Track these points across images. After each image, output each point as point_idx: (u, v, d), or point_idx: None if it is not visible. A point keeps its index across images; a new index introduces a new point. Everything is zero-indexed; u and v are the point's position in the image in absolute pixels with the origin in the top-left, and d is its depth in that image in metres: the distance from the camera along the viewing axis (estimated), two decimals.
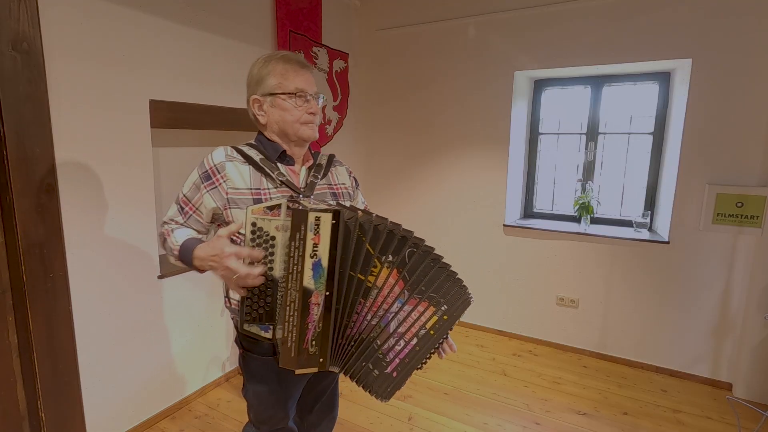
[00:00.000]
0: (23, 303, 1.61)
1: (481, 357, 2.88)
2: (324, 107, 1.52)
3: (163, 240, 1.17)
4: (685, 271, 2.55)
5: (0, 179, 1.52)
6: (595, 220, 3.00)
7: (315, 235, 0.93)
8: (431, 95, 3.21)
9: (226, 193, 1.12)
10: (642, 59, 2.51)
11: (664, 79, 2.71)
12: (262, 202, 1.10)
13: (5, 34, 1.46)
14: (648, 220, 2.81)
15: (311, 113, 1.18)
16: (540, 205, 3.27)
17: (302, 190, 1.17)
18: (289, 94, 1.15)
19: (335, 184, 1.28)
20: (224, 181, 1.12)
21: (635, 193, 2.93)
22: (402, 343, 1.03)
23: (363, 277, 0.99)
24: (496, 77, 2.94)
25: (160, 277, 2.10)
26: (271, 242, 0.98)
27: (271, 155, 1.18)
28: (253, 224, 0.97)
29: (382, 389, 1.04)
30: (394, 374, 1.04)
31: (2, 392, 1.62)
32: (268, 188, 1.14)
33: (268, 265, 0.99)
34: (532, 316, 3.06)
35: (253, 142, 1.22)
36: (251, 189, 1.13)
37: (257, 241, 0.98)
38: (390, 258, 0.98)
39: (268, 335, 1.03)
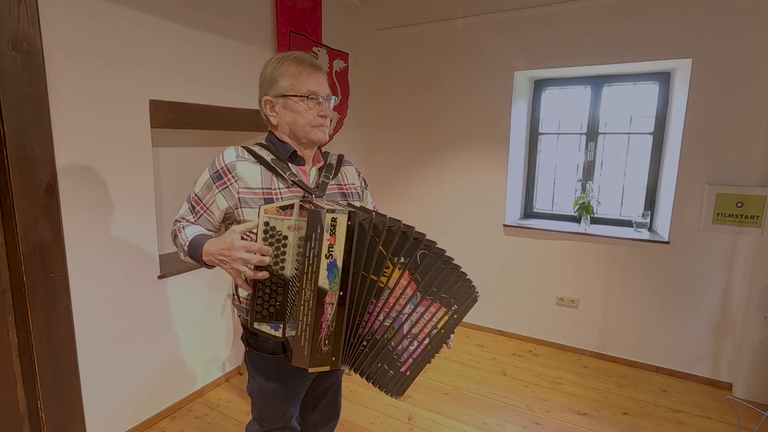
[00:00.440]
0: (23, 303, 1.61)
1: (481, 357, 2.88)
2: None
3: (174, 237, 1.19)
4: (685, 271, 2.55)
5: (0, 179, 1.52)
6: (595, 220, 3.00)
7: (331, 236, 0.94)
8: (431, 95, 3.21)
9: (238, 193, 1.12)
10: (642, 59, 2.51)
11: (664, 79, 2.72)
12: (273, 202, 1.11)
13: (5, 34, 1.46)
14: (648, 220, 2.81)
15: (322, 116, 1.18)
16: (540, 205, 3.27)
17: (314, 190, 1.18)
18: (301, 96, 1.15)
19: (345, 185, 1.29)
20: (235, 181, 1.13)
21: (635, 193, 2.93)
22: (415, 343, 1.05)
23: (375, 278, 1.01)
24: (496, 77, 2.94)
25: (160, 277, 2.11)
26: (283, 241, 1.00)
27: (282, 155, 1.18)
28: (266, 223, 0.98)
29: (396, 387, 1.06)
30: (408, 373, 1.06)
31: (2, 392, 1.61)
32: (280, 188, 1.15)
33: (280, 264, 1.00)
34: (532, 316, 3.06)
35: (264, 142, 1.22)
36: (263, 189, 1.14)
37: (269, 240, 0.99)
38: (402, 260, 1.00)
39: (278, 333, 1.04)
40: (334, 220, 0.93)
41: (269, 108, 1.18)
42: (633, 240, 2.66)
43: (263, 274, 0.99)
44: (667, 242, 2.56)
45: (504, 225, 3.06)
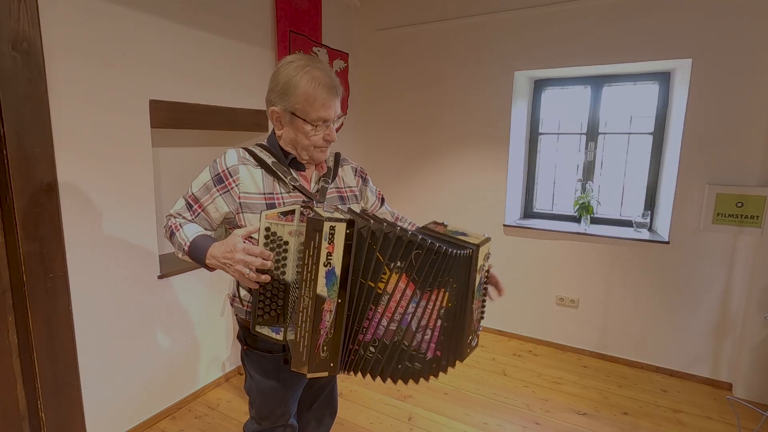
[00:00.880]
0: (23, 303, 1.61)
1: (481, 357, 2.88)
2: None
3: (171, 234, 1.17)
4: (685, 271, 2.55)
5: (0, 179, 1.52)
6: (595, 220, 3.00)
7: (329, 244, 0.94)
8: (431, 95, 3.21)
9: (239, 198, 1.12)
10: (642, 59, 2.51)
11: (664, 79, 2.72)
12: (275, 206, 1.12)
13: (5, 34, 1.46)
14: (648, 220, 2.81)
15: (327, 140, 1.16)
16: (540, 205, 3.27)
17: (314, 195, 1.18)
18: (310, 121, 1.12)
19: (343, 188, 1.29)
20: (236, 185, 1.12)
21: (635, 193, 2.93)
22: (428, 332, 1.05)
23: (373, 284, 1.01)
24: (496, 77, 2.94)
25: (160, 277, 2.11)
26: (284, 246, 1.01)
27: (282, 159, 1.18)
28: (267, 229, 0.99)
29: (435, 369, 1.07)
30: (438, 354, 1.06)
31: (2, 392, 1.61)
32: (281, 193, 1.15)
33: (281, 269, 1.01)
34: (532, 316, 3.06)
35: (265, 144, 1.22)
36: (264, 194, 1.13)
37: (270, 245, 1.00)
38: (399, 264, 1.00)
39: (279, 337, 1.05)
40: (332, 228, 0.93)
41: (275, 118, 1.16)
42: (633, 240, 2.66)
43: (265, 277, 0.99)
44: (667, 242, 2.56)
45: (504, 225, 3.06)
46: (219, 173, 1.14)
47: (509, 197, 3.05)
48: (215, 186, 1.14)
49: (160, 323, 2.15)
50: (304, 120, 1.11)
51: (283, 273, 1.02)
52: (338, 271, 0.96)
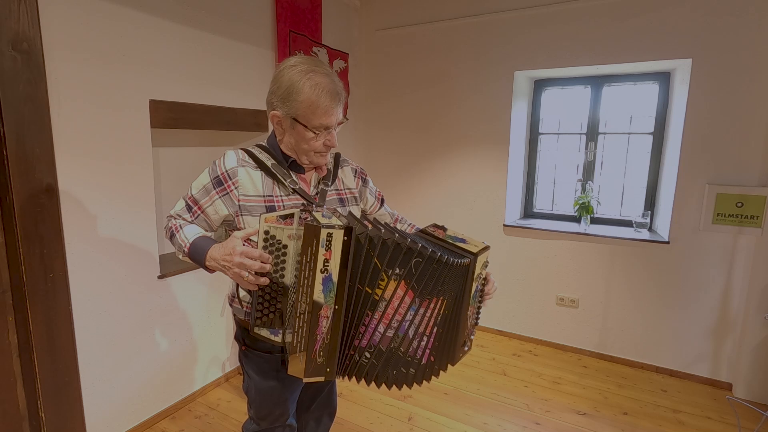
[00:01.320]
0: (23, 303, 1.61)
1: (481, 357, 2.88)
2: None
3: (171, 235, 1.16)
4: (685, 271, 2.55)
5: (0, 179, 1.52)
6: (595, 220, 3.00)
7: (327, 251, 0.94)
8: (431, 95, 3.21)
9: (238, 200, 1.12)
10: (642, 59, 2.51)
11: (664, 79, 2.72)
12: (274, 209, 1.11)
13: (5, 34, 1.46)
14: (648, 220, 2.81)
15: (328, 146, 1.15)
16: (540, 205, 3.27)
17: (314, 198, 1.17)
18: (312, 128, 1.10)
19: (342, 190, 1.28)
20: (236, 188, 1.12)
21: (635, 193, 2.93)
22: (425, 338, 1.06)
23: (370, 291, 1.01)
24: (496, 77, 2.94)
25: (160, 277, 2.11)
26: (283, 250, 1.01)
27: (282, 161, 1.18)
28: (266, 232, 0.99)
29: (428, 374, 1.09)
30: (432, 359, 1.07)
31: (2, 392, 1.61)
32: (281, 195, 1.14)
33: (280, 272, 1.01)
34: (532, 316, 3.06)
35: (265, 144, 1.21)
36: (264, 196, 1.13)
37: (269, 249, 1.00)
38: (398, 271, 1.00)
39: (278, 339, 1.05)
40: (329, 235, 0.93)
41: (276, 122, 1.15)
42: (633, 240, 2.66)
43: (264, 280, 0.99)
44: (667, 242, 2.56)
45: (504, 225, 3.06)
46: (218, 176, 1.13)
47: (509, 197, 3.05)
48: (214, 188, 1.13)
49: (159, 323, 2.15)
50: (306, 126, 1.10)
51: (282, 276, 1.02)
52: (335, 277, 0.96)
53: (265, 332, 1.04)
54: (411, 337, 1.04)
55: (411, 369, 1.07)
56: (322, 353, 0.99)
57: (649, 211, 2.84)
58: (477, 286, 1.11)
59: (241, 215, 1.12)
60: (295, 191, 1.15)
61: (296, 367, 0.99)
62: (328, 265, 0.95)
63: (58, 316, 1.70)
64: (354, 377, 1.07)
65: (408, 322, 1.03)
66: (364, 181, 1.37)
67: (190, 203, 1.17)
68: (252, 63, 2.50)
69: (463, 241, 1.11)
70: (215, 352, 2.49)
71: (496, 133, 2.99)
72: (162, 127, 2.06)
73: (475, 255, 1.05)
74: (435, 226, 1.19)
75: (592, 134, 2.95)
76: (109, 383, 1.94)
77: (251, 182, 1.13)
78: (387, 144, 3.47)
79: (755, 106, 2.27)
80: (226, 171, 1.13)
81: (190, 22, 2.14)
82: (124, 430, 2.04)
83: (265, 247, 1.00)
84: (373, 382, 1.07)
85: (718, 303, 2.49)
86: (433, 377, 1.10)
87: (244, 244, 1.01)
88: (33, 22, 1.53)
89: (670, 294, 2.61)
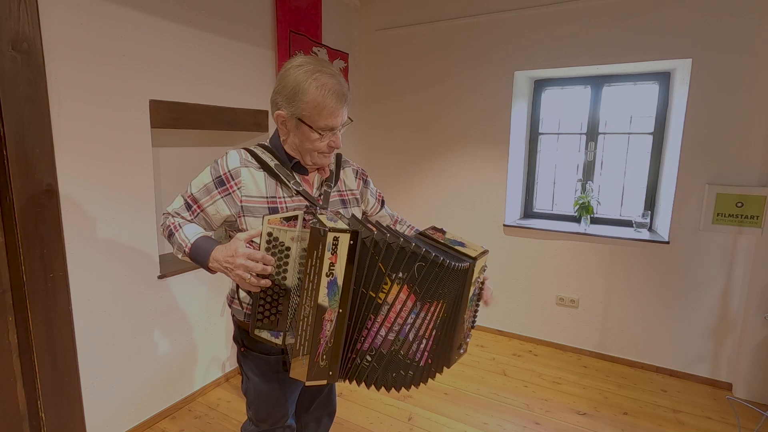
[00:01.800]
0: (23, 303, 1.61)
1: (481, 357, 2.88)
2: None
3: (169, 233, 1.14)
4: (685, 271, 2.55)
5: (0, 179, 1.52)
6: (595, 220, 3.00)
7: (332, 254, 0.93)
8: (431, 95, 3.21)
9: (240, 201, 1.11)
10: (642, 59, 2.51)
11: (664, 79, 2.72)
12: (277, 211, 1.10)
13: (5, 34, 1.46)
14: (648, 220, 2.81)
15: (333, 147, 1.14)
16: (540, 205, 3.27)
17: (317, 200, 1.17)
18: (317, 129, 1.10)
19: (344, 191, 1.28)
20: (238, 188, 1.11)
21: (635, 193, 2.93)
22: (423, 341, 1.06)
23: (374, 294, 1.01)
24: (496, 77, 2.94)
25: (160, 277, 2.11)
26: (285, 252, 1.00)
27: (285, 162, 1.17)
28: (269, 234, 0.99)
29: (425, 376, 1.09)
30: (429, 361, 1.08)
31: (2, 392, 1.61)
32: (284, 197, 1.13)
33: (282, 274, 1.01)
34: (532, 316, 3.06)
35: (268, 144, 1.20)
36: (267, 197, 1.12)
37: (272, 251, 1.00)
38: (401, 274, 0.99)
39: (278, 341, 1.05)
40: (336, 239, 0.93)
41: (280, 121, 1.14)
42: (633, 240, 2.66)
43: (265, 282, 0.99)
44: (667, 242, 2.56)
45: (504, 225, 3.06)
46: (220, 175, 1.12)
47: (509, 197, 3.05)
48: (216, 188, 1.12)
49: (159, 323, 2.15)
50: (311, 127, 1.09)
51: (284, 278, 1.01)
52: (340, 281, 0.96)
53: (265, 334, 1.04)
54: (411, 340, 1.04)
55: (410, 371, 1.07)
56: (325, 357, 0.99)
57: (649, 211, 2.84)
58: (474, 290, 1.12)
59: (243, 216, 1.11)
60: (298, 193, 1.14)
61: (299, 370, 0.99)
62: (333, 269, 0.94)
63: (58, 316, 1.70)
64: (355, 380, 1.07)
65: (409, 326, 1.03)
66: (365, 183, 1.36)
67: (190, 202, 1.16)
68: (252, 63, 2.50)
69: (462, 244, 1.11)
70: (215, 352, 2.49)
71: (496, 133, 2.99)
72: (162, 127, 2.06)
73: (474, 259, 1.05)
74: (434, 228, 1.19)
75: (592, 134, 2.96)
76: (109, 383, 1.94)
77: (254, 183, 1.12)
78: (387, 144, 3.47)
79: (755, 106, 2.27)
80: (229, 171, 1.12)
81: (190, 22, 2.14)
82: (124, 430, 2.04)
83: (267, 249, 0.99)
84: (372, 386, 1.07)
85: (718, 303, 2.49)
86: (429, 379, 1.10)
87: (246, 246, 1.00)
88: (33, 22, 1.53)
89: (670, 294, 2.61)
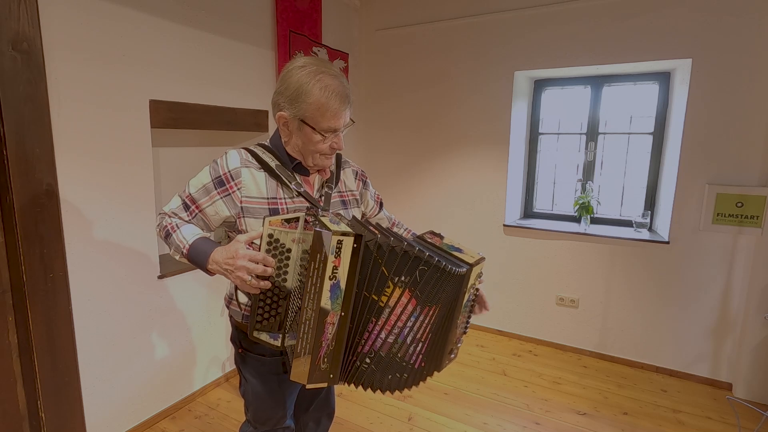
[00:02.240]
0: (23, 303, 1.61)
1: (481, 357, 2.88)
2: None
3: (166, 234, 1.12)
4: (685, 271, 2.55)
5: (0, 179, 1.52)
6: (595, 220, 3.00)
7: (336, 257, 0.92)
8: (431, 95, 3.21)
9: (241, 202, 1.10)
10: (642, 59, 2.51)
11: (664, 79, 2.72)
12: (278, 212, 1.09)
13: (5, 34, 1.46)
14: (648, 220, 2.81)
15: (335, 148, 1.13)
16: (540, 205, 3.27)
17: (319, 202, 1.16)
18: (320, 130, 1.09)
19: (344, 191, 1.27)
20: (238, 189, 1.10)
21: (635, 193, 2.93)
22: (420, 344, 1.06)
23: (376, 298, 1.00)
24: (496, 77, 2.94)
25: (160, 277, 2.11)
26: (286, 254, 1.00)
27: (287, 163, 1.16)
28: (270, 235, 0.98)
29: (417, 379, 1.09)
30: (423, 364, 1.08)
31: (2, 392, 1.61)
32: (284, 198, 1.12)
33: (282, 276, 1.00)
34: (532, 316, 3.06)
35: (268, 145, 1.18)
36: (267, 198, 1.11)
37: (273, 252, 0.99)
38: (403, 278, 0.99)
39: (277, 343, 1.04)
40: (339, 242, 0.92)
41: (282, 123, 1.12)
42: (633, 240, 2.66)
43: (266, 284, 0.98)
44: (667, 242, 2.56)
45: (504, 225, 3.06)
46: (220, 176, 1.10)
47: (509, 197, 3.05)
48: (216, 189, 1.10)
49: (159, 323, 2.15)
50: (314, 128, 1.08)
51: (285, 280, 1.01)
52: (343, 284, 0.95)
53: (264, 336, 1.03)
54: (408, 343, 1.04)
55: (405, 374, 1.07)
56: (326, 359, 0.98)
57: (649, 211, 2.84)
58: (469, 297, 1.12)
59: (243, 217, 1.10)
60: (299, 194, 1.13)
61: (300, 373, 0.99)
62: (336, 272, 0.93)
63: (58, 317, 1.70)
64: (354, 383, 1.07)
65: (408, 329, 1.03)
66: (365, 184, 1.36)
67: (188, 202, 1.14)
68: (252, 63, 2.50)
69: (459, 250, 1.11)
70: (215, 352, 2.49)
71: (496, 133, 2.99)
72: (162, 127, 2.06)
73: (471, 266, 1.05)
74: (432, 233, 1.19)
75: (592, 134, 2.96)
76: (109, 383, 1.94)
77: (255, 183, 1.11)
78: (387, 144, 3.47)
79: (755, 106, 2.27)
80: (229, 171, 1.10)
81: (190, 22, 2.14)
82: (124, 430, 2.04)
83: (268, 251, 0.99)
84: (369, 388, 1.07)
85: (718, 303, 2.49)
86: (421, 382, 1.11)
87: (247, 248, 0.99)
88: (33, 22, 1.53)
89: (670, 294, 2.61)
